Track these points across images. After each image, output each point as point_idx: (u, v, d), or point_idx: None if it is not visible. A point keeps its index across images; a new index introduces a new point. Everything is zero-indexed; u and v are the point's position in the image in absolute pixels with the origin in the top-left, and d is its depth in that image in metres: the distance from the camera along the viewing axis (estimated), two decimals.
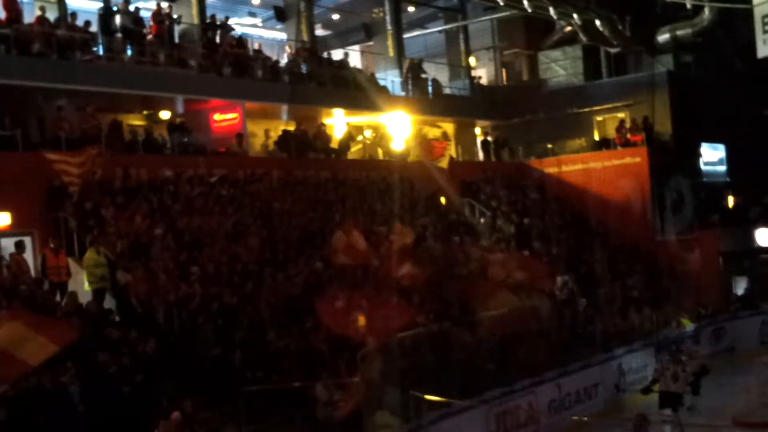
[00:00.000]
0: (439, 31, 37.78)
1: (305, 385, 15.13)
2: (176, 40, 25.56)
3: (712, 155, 33.96)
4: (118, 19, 23.37)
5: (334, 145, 27.88)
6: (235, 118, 25.70)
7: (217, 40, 26.60)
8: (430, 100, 32.33)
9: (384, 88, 31.08)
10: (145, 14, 24.82)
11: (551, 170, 32.62)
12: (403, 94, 31.64)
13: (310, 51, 29.68)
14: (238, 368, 15.59)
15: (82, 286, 17.28)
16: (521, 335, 19.39)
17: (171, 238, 18.78)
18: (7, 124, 19.41)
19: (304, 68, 28.27)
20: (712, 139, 33.74)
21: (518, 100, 34.61)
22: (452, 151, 32.75)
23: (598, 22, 30.34)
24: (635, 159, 30.88)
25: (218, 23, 27.06)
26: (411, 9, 36.94)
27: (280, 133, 26.32)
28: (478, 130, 35.02)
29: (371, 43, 35.32)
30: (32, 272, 17.35)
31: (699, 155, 33.11)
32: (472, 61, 36.97)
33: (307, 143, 26.54)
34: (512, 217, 28.27)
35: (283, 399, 14.89)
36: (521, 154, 33.89)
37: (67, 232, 18.39)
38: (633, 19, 31.96)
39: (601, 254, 26.87)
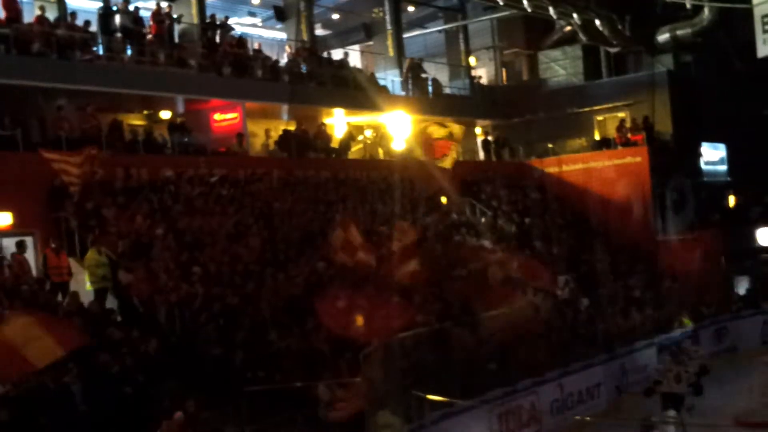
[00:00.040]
0: (439, 31, 37.79)
1: (307, 385, 15.10)
2: (176, 39, 25.53)
3: (712, 155, 33.97)
4: (117, 18, 23.34)
5: (334, 144, 27.87)
6: (235, 118, 25.68)
7: (217, 39, 26.58)
8: (430, 100, 32.33)
9: (384, 88, 31.07)
10: (145, 14, 24.79)
11: (552, 170, 32.61)
12: (403, 93, 31.64)
13: (310, 51, 29.67)
14: (239, 368, 15.56)
15: (84, 286, 17.27)
16: (522, 335, 19.36)
17: (172, 238, 18.76)
18: (7, 124, 19.39)
19: (304, 68, 28.26)
20: (713, 139, 33.75)
21: (518, 100, 34.62)
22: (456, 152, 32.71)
23: (597, 22, 30.31)
24: (636, 158, 30.87)
25: (218, 23, 27.04)
26: (411, 9, 36.95)
27: (280, 132, 26.30)
28: (478, 130, 35.03)
29: (371, 42, 35.32)
30: (34, 272, 17.32)
31: (699, 155, 33.12)
32: (472, 60, 36.98)
33: (307, 143, 26.52)
34: (513, 216, 28.27)
35: (285, 399, 14.87)
36: (522, 154, 33.90)
37: (69, 232, 18.38)
38: (633, 18, 31.93)
39: (602, 254, 26.87)
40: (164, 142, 23.41)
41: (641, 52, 33.55)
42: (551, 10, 28.88)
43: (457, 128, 22.36)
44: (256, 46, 28.02)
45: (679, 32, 31.50)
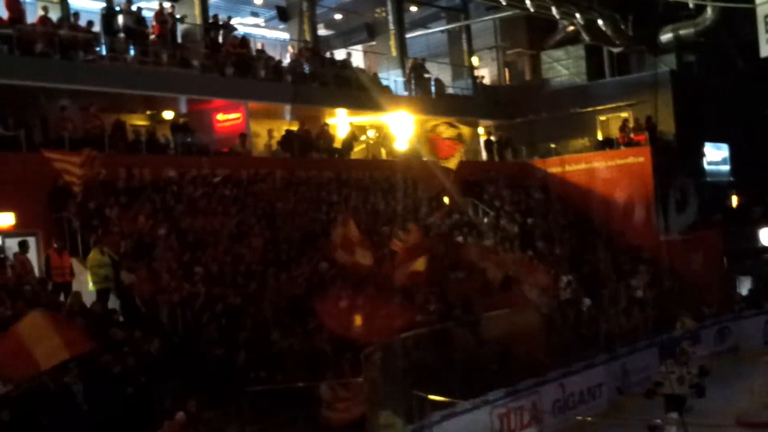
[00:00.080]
0: (442, 31, 37.81)
1: (309, 385, 15.13)
2: (179, 40, 25.55)
3: (715, 155, 33.95)
4: (120, 19, 23.35)
5: (337, 145, 27.88)
6: (238, 118, 25.70)
7: (220, 40, 26.59)
8: (432, 100, 32.33)
9: (387, 88, 31.07)
10: (148, 14, 24.81)
11: (554, 170, 32.60)
12: (405, 94, 31.64)
13: (312, 51, 29.68)
14: (241, 368, 15.60)
15: (86, 286, 17.31)
16: (524, 335, 19.35)
17: (174, 238, 18.79)
18: (10, 125, 19.41)
19: (306, 68, 28.27)
20: (716, 139, 33.73)
21: (521, 100, 34.60)
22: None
23: (600, 22, 30.29)
24: (638, 158, 30.83)
25: (221, 23, 27.06)
26: (413, 9, 36.95)
27: (283, 133, 26.32)
28: (481, 130, 35.03)
29: (374, 43, 35.34)
30: (36, 272, 17.36)
31: (702, 155, 33.10)
32: (474, 60, 36.95)
33: (310, 143, 26.54)
34: (515, 216, 28.25)
35: (287, 399, 14.90)
36: (524, 154, 33.89)
37: (71, 232, 18.40)
38: (635, 18, 31.90)
39: (605, 254, 26.87)
40: (167, 142, 23.45)
41: (644, 52, 33.53)
42: (554, 10, 28.87)
43: (466, 130, 22.34)
44: (259, 46, 28.02)
45: (681, 32, 31.54)
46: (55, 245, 17.29)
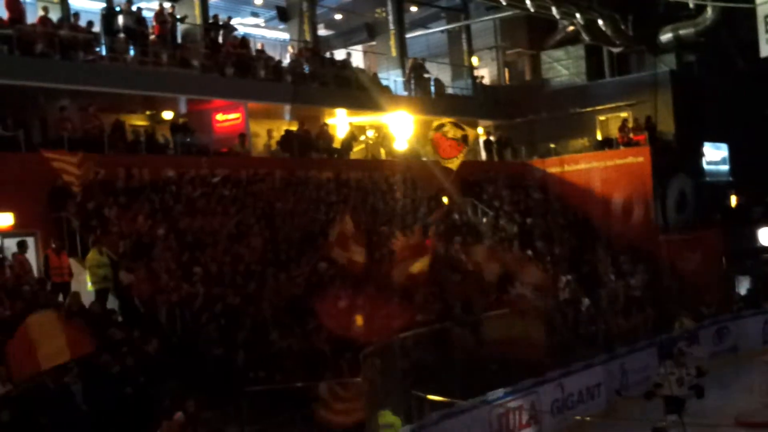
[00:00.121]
0: (442, 31, 37.83)
1: (308, 385, 15.14)
2: (179, 40, 25.57)
3: (714, 155, 33.94)
4: (120, 19, 23.38)
5: (336, 145, 27.88)
6: (237, 118, 25.72)
7: (220, 40, 26.61)
8: (432, 100, 32.35)
9: (386, 88, 31.09)
10: (148, 14, 24.83)
11: (554, 170, 32.60)
12: (405, 94, 31.66)
13: (312, 51, 29.70)
14: (240, 368, 15.61)
15: (85, 286, 17.31)
16: (523, 335, 19.37)
17: (173, 238, 18.80)
18: (9, 125, 19.43)
19: (306, 68, 28.28)
20: (715, 139, 33.72)
21: (521, 100, 34.61)
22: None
23: (600, 22, 30.33)
24: (638, 158, 30.82)
25: (221, 23, 27.08)
26: (413, 9, 36.97)
27: (282, 133, 26.32)
28: (480, 130, 35.02)
29: (374, 43, 35.37)
30: (35, 272, 17.37)
31: (702, 155, 33.09)
32: (474, 60, 36.98)
33: (309, 143, 26.55)
34: (515, 216, 28.26)
35: (286, 399, 14.91)
36: (524, 154, 33.89)
37: (70, 232, 18.40)
38: (635, 18, 31.95)
39: (604, 254, 26.88)
40: (166, 142, 23.47)
41: (644, 52, 33.56)
42: (554, 10, 28.90)
43: (472, 133, 22.33)
44: (258, 46, 28.04)
45: (681, 32, 31.58)
46: (54, 245, 17.29)
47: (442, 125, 21.53)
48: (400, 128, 30.04)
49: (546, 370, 18.81)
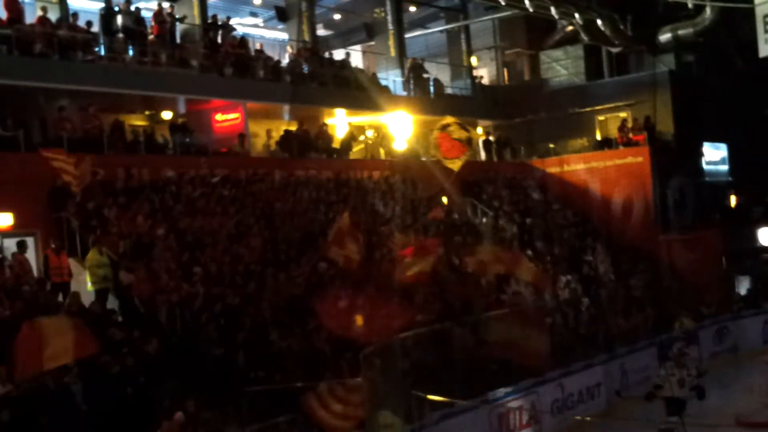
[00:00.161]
0: (441, 31, 37.81)
1: (308, 386, 15.11)
2: (178, 40, 25.55)
3: (714, 155, 33.96)
4: (119, 19, 23.37)
5: (335, 145, 27.86)
6: (236, 119, 25.70)
7: (219, 40, 26.59)
8: (431, 100, 32.34)
9: (385, 88, 31.08)
10: (147, 14, 24.81)
11: (553, 170, 32.62)
12: (404, 94, 31.65)
13: (311, 51, 29.68)
14: (240, 368, 15.59)
15: (85, 286, 17.28)
16: (523, 335, 19.35)
17: (173, 238, 18.77)
18: (9, 125, 19.39)
19: (305, 68, 28.26)
20: (714, 139, 33.75)
21: (520, 100, 34.62)
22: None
23: (599, 22, 30.32)
24: (637, 158, 30.86)
25: (220, 23, 27.05)
26: (412, 9, 36.94)
27: (281, 133, 26.30)
28: (480, 130, 35.02)
29: (373, 43, 35.34)
30: (35, 272, 17.33)
31: (701, 154, 33.11)
32: (473, 60, 36.97)
33: (308, 143, 26.53)
34: (514, 217, 28.25)
35: (286, 399, 14.88)
36: (523, 154, 33.91)
37: (70, 232, 18.37)
38: (634, 18, 31.95)
39: (604, 254, 26.87)
40: (166, 142, 23.45)
41: (643, 52, 33.57)
42: (553, 10, 28.89)
43: (476, 134, 22.28)
44: (257, 46, 28.02)
45: (680, 32, 31.56)
46: (53, 245, 17.25)
47: (447, 125, 21.50)
48: (400, 128, 30.03)
49: (546, 370, 18.81)
